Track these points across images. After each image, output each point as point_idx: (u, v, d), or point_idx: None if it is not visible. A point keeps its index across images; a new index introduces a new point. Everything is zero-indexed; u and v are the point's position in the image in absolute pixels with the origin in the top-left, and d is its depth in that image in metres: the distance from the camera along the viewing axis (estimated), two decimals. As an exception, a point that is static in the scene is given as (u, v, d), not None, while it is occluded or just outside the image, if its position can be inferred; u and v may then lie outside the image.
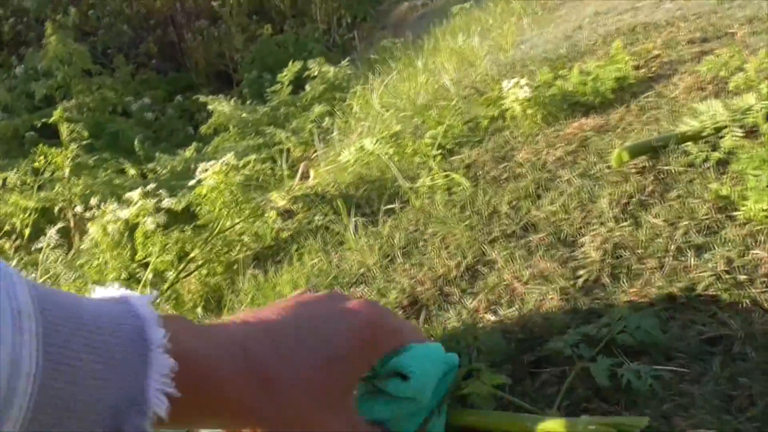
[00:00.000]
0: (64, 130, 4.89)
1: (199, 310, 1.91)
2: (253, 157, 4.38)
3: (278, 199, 2.73)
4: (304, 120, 4.74)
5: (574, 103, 1.58)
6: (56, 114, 4.31)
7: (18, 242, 2.98)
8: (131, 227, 2.34)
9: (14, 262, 2.56)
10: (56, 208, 3.43)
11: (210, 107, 5.54)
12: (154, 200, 2.35)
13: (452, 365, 0.68)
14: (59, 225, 2.48)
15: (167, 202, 2.41)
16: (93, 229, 2.39)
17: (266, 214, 2.56)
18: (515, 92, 1.61)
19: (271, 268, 1.74)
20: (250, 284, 2.20)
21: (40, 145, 3.69)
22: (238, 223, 2.45)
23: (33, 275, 2.20)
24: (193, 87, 9.70)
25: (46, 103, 7.01)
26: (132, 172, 5.07)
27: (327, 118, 4.61)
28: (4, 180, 3.69)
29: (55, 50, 5.92)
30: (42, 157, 3.62)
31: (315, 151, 4.48)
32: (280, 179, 4.26)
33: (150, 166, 5.14)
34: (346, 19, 10.16)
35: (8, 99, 5.44)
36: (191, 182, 2.06)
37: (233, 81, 9.74)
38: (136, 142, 5.91)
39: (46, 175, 3.68)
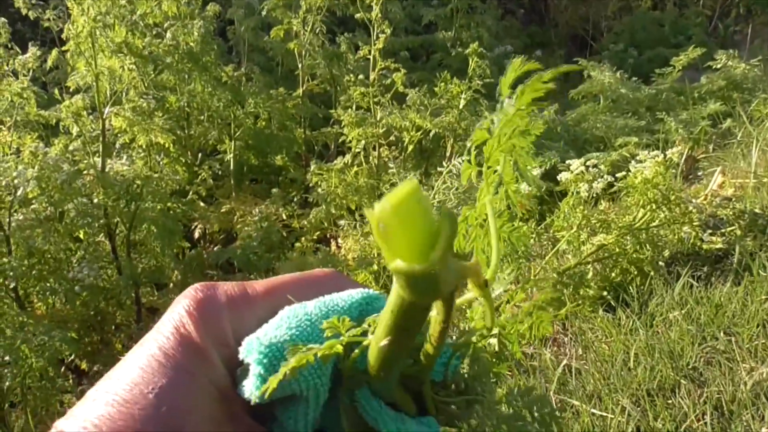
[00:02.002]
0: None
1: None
2: (634, 140, 4.11)
3: (704, 204, 2.45)
4: (695, 113, 4.32)
5: None
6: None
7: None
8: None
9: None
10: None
11: (588, 73, 5.31)
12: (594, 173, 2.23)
13: None
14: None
15: (599, 183, 2.27)
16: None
17: (689, 218, 2.32)
18: None
19: (703, 279, 1.55)
20: (676, 292, 2.00)
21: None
22: (663, 224, 2.25)
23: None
24: (546, 44, 9.52)
25: (426, 30, 7.38)
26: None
27: (728, 120, 4.13)
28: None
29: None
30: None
31: (703, 152, 4.06)
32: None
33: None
34: (739, 9, 9.07)
35: (399, 16, 5.76)
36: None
37: (588, 47, 9.34)
38: (497, 90, 5.92)
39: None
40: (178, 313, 0.39)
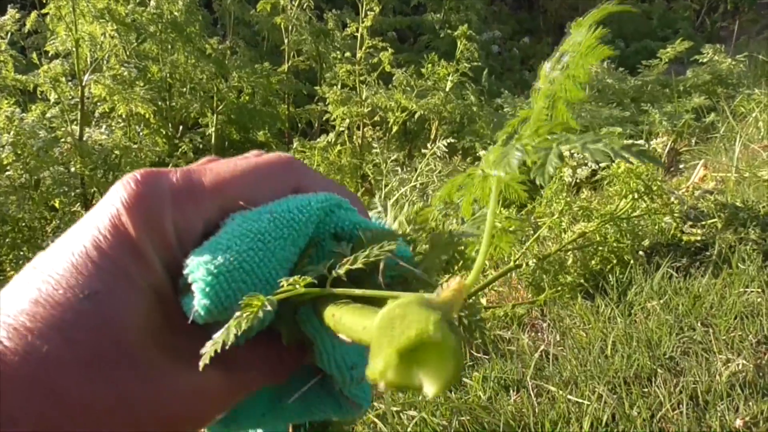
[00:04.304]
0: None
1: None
2: (617, 130, 4.12)
3: (686, 196, 2.46)
4: (680, 106, 4.33)
5: None
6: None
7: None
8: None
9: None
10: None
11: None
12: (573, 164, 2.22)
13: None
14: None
15: (583, 171, 2.27)
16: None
17: (670, 209, 2.32)
18: None
19: (682, 270, 1.56)
20: (655, 282, 2.01)
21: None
22: (644, 214, 2.25)
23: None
24: (534, 31, 9.51)
25: (414, 11, 7.32)
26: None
27: (712, 114, 4.15)
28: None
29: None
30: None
31: (686, 145, 4.08)
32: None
33: (498, 101, 5.10)
34: (726, 5, 9.11)
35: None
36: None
37: (576, 36, 9.34)
38: (484, 75, 5.90)
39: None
40: (115, 207, 0.34)
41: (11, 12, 4.53)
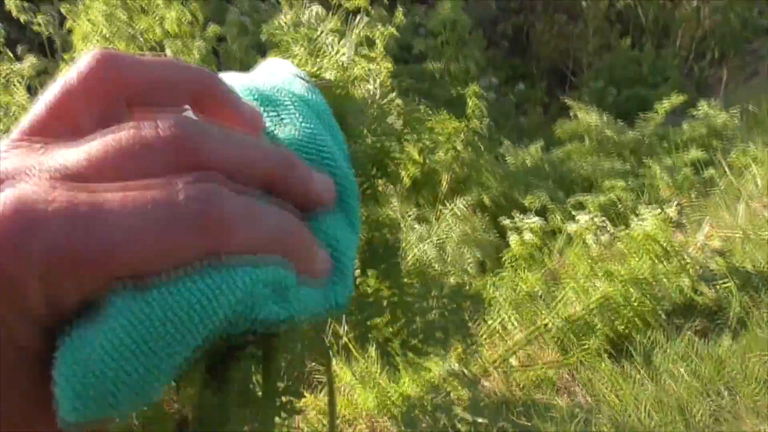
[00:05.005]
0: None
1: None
2: (621, 183, 4.27)
3: (697, 256, 2.59)
4: (677, 160, 4.50)
5: None
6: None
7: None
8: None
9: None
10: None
11: (575, 112, 5.48)
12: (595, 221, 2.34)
13: None
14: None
15: (605, 236, 2.38)
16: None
17: (687, 270, 2.45)
18: None
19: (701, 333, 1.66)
20: (679, 345, 2.12)
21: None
22: (663, 276, 2.37)
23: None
24: (528, 76, 9.73)
25: (415, 59, 7.52)
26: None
27: (710, 169, 4.32)
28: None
29: (445, 16, 6.27)
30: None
31: (687, 199, 4.24)
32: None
33: (500, 150, 5.25)
34: (714, 53, 9.39)
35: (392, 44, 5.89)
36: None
37: (567, 82, 9.59)
38: (485, 124, 6.06)
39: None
40: None
41: (30, 59, 4.64)
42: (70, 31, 6.26)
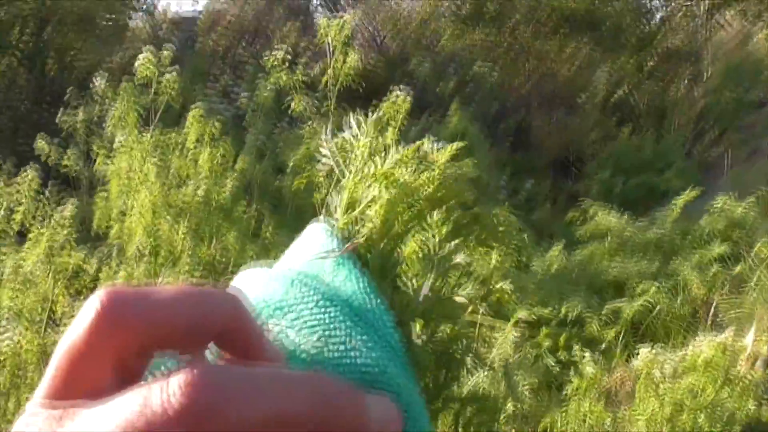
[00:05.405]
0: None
1: None
2: (654, 285, 4.35)
3: (756, 377, 2.65)
4: (703, 256, 4.61)
5: None
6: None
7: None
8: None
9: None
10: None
11: (591, 213, 5.63)
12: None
13: None
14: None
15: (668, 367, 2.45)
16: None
17: (751, 393, 2.50)
18: None
19: None
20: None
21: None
22: (725, 400, 2.43)
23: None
24: (532, 170, 9.95)
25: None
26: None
27: (739, 265, 4.42)
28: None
29: (456, 127, 6.55)
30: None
31: (720, 296, 4.31)
32: (682, 318, 4.16)
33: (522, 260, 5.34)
34: (712, 134, 9.64)
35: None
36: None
37: (571, 173, 9.82)
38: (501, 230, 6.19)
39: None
40: None
41: (71, 204, 4.83)
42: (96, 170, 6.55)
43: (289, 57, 5.31)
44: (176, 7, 14.03)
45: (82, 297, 4.53)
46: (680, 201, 5.31)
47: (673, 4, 10.55)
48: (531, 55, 10.71)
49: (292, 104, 5.28)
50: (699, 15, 10.20)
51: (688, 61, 10.39)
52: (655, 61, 10.23)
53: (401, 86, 7.50)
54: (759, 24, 11.40)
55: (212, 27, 13.37)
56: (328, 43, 5.00)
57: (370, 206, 0.44)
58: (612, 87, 10.19)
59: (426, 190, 0.48)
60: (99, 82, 5.49)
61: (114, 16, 11.46)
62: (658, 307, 4.08)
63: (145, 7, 13.41)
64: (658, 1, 10.86)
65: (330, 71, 4.96)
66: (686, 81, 10.29)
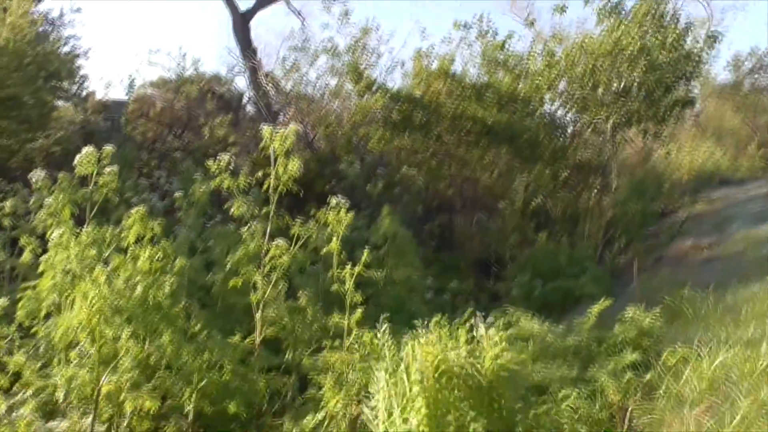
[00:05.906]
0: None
1: None
2: (575, 392, 4.63)
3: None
4: (618, 363, 4.95)
5: None
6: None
7: None
8: None
9: None
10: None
11: (513, 320, 5.93)
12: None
13: None
14: None
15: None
16: None
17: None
18: None
19: None
20: None
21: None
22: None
23: None
24: (456, 269, 10.31)
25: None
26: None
27: (649, 373, 4.77)
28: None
29: (387, 228, 6.86)
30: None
31: (630, 405, 4.62)
32: (600, 423, 4.45)
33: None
34: (620, 243, 10.31)
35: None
36: None
37: (491, 274, 10.26)
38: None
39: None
40: None
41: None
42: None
43: (231, 162, 5.52)
44: (104, 90, 13.92)
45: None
46: (595, 309, 5.71)
47: (582, 120, 11.40)
48: (455, 161, 11.30)
49: (232, 208, 5.47)
50: (605, 132, 11.06)
51: (597, 173, 11.17)
52: (568, 172, 10.94)
53: (335, 190, 7.85)
54: (658, 142, 12.46)
55: (141, 114, 13.38)
56: (273, 150, 5.26)
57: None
58: (529, 195, 10.82)
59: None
60: (38, 175, 5.52)
61: (41, 99, 11.34)
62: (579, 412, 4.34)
63: (74, 91, 13.32)
64: (569, 117, 11.70)
65: (272, 178, 5.19)
66: (596, 191, 11.03)
